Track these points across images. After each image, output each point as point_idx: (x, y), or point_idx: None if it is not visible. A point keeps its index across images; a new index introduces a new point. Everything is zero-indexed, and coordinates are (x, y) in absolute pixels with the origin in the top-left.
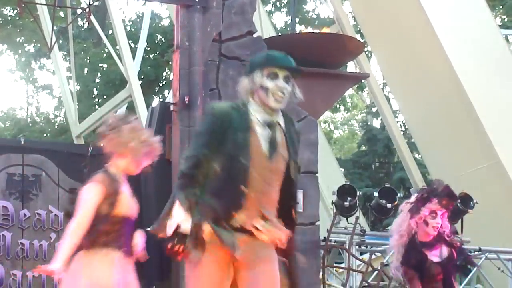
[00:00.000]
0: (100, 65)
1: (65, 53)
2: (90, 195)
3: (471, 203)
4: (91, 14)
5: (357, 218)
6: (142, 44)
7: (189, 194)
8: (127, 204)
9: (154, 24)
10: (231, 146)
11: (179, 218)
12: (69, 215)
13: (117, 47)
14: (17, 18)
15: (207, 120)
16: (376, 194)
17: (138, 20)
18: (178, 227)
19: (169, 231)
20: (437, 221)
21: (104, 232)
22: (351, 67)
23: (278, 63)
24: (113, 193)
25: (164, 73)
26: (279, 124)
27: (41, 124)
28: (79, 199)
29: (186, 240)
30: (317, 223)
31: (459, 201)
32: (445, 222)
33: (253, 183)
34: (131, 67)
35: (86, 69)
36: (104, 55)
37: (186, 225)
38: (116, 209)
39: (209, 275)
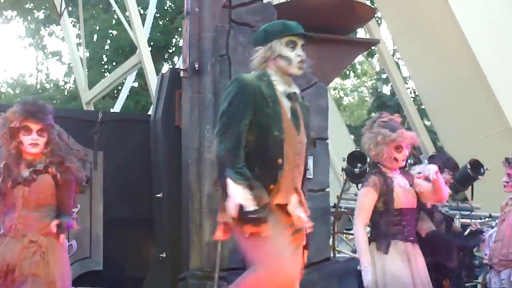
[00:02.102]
0: (110, 31)
1: (74, 19)
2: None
3: (482, 169)
4: None
5: None
6: (151, 11)
7: (240, 170)
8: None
9: None
10: (264, 118)
11: (240, 197)
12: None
13: (127, 13)
14: None
15: (238, 92)
16: None
17: None
18: (241, 207)
19: (233, 212)
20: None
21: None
22: (361, 33)
23: (297, 31)
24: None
25: (174, 40)
26: (296, 94)
27: (50, 90)
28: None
29: (256, 215)
30: (327, 190)
31: (469, 167)
32: None
33: (288, 156)
34: (140, 34)
35: (95, 36)
36: (114, 21)
37: (249, 203)
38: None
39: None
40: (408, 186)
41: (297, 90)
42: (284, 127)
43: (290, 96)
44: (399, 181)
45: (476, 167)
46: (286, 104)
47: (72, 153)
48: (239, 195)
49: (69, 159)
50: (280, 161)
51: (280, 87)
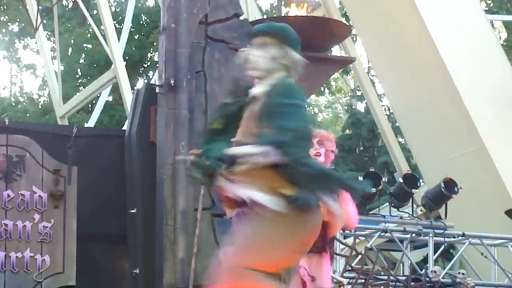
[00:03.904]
0: (85, 45)
1: (49, 32)
2: None
3: (455, 188)
4: None
5: None
6: (127, 25)
7: None
8: None
9: (139, 5)
10: None
11: None
12: (53, 196)
13: (102, 27)
14: None
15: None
16: (360, 178)
17: (123, 0)
18: None
19: None
20: None
21: None
22: (336, 50)
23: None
24: None
25: (149, 54)
26: None
27: (24, 104)
28: None
29: None
30: None
31: (443, 186)
32: None
33: None
34: (116, 48)
35: (70, 50)
36: (89, 35)
37: None
38: None
39: None
40: None
41: None
42: None
43: None
44: None
45: (450, 185)
46: None
47: None
48: None
49: None
50: None
51: None
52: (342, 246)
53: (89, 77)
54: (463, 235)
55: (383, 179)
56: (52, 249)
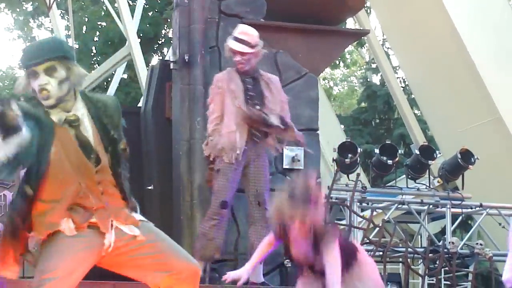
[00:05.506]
0: (99, 23)
1: (63, 11)
2: None
3: (472, 159)
4: None
5: (358, 175)
6: (140, 2)
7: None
8: None
9: None
10: (35, 150)
11: None
12: None
13: (116, 5)
14: None
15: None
16: (377, 150)
17: None
18: None
19: None
20: None
21: None
22: (350, 22)
23: (30, 62)
24: None
25: (163, 31)
26: (78, 118)
27: None
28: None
29: None
30: (318, 180)
31: (459, 156)
32: None
33: (64, 187)
34: (130, 25)
35: (84, 28)
36: (103, 13)
37: None
38: None
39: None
40: None
41: (80, 111)
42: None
43: (71, 123)
44: None
45: (467, 156)
46: (70, 132)
47: None
48: None
49: None
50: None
51: (55, 117)
52: (359, 219)
53: (103, 55)
54: (481, 205)
55: (400, 151)
56: None
